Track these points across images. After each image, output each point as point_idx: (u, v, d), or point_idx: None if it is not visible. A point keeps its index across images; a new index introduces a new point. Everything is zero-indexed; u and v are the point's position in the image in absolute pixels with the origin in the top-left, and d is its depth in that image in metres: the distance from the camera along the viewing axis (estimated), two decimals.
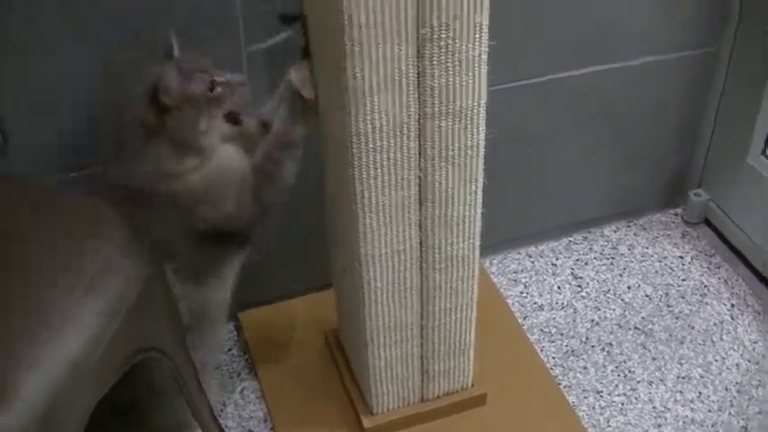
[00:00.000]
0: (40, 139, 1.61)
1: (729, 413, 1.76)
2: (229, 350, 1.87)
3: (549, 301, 1.99)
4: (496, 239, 2.03)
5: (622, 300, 1.99)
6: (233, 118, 1.42)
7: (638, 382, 1.82)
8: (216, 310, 1.52)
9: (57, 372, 1.04)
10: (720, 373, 1.83)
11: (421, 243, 1.41)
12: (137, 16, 1.54)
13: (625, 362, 1.86)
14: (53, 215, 1.27)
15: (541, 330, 1.92)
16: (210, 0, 1.58)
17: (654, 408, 1.77)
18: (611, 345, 1.90)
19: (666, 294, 2.01)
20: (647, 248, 2.12)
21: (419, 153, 1.30)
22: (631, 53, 1.92)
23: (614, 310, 1.97)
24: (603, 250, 2.11)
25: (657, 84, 1.99)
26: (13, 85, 1.54)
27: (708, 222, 2.18)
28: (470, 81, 1.25)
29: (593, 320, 1.95)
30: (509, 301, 1.98)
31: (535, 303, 1.99)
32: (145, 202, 1.39)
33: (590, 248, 2.12)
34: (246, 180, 1.42)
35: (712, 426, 1.73)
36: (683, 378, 1.83)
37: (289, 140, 1.41)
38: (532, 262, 2.08)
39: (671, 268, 2.07)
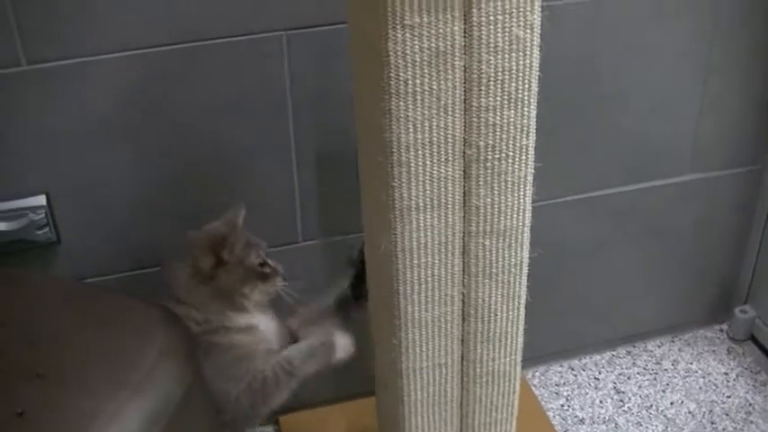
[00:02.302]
0: (91, 241, 1.64)
1: None
2: None
3: (590, 414, 1.98)
4: (539, 351, 2.03)
5: (665, 416, 1.97)
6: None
7: None
8: None
9: None
10: None
11: (463, 357, 1.41)
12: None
13: None
14: (100, 316, 1.30)
15: None
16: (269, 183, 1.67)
17: None
18: None
19: (710, 411, 1.99)
20: (691, 364, 2.11)
21: (463, 270, 1.31)
22: (677, 171, 1.93)
23: (656, 426, 1.95)
24: (647, 365, 2.10)
25: (703, 201, 2.00)
26: (67, 186, 1.59)
27: (754, 339, 2.16)
28: (515, 201, 1.26)
29: None
30: (550, 413, 1.97)
31: (576, 417, 1.97)
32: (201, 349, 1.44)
33: (633, 363, 2.11)
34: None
35: None
36: None
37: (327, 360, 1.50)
38: (575, 375, 2.07)
39: (715, 385, 2.05)
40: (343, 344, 1.51)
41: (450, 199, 1.24)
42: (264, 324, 1.52)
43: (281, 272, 1.53)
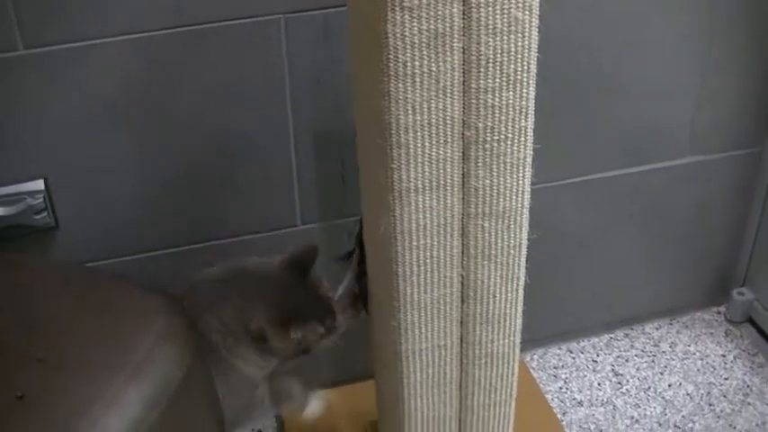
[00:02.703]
0: (89, 225, 1.64)
1: None
2: None
3: (588, 397, 1.98)
4: (538, 334, 2.03)
5: (663, 398, 1.98)
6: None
7: None
8: None
9: None
10: None
11: (462, 339, 1.42)
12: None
13: None
14: (99, 301, 1.29)
15: (580, 427, 1.91)
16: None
17: None
18: None
19: (708, 393, 1.99)
20: (688, 346, 2.11)
21: (462, 252, 1.31)
22: (677, 153, 1.93)
23: (655, 407, 1.96)
24: (645, 347, 2.11)
25: (702, 183, 2.00)
26: (64, 171, 1.59)
27: (751, 321, 2.17)
28: (514, 183, 1.26)
29: (632, 417, 1.93)
30: (548, 396, 1.97)
31: (574, 399, 1.98)
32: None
33: (631, 345, 2.11)
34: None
35: None
36: None
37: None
38: (573, 358, 2.08)
39: (713, 367, 2.06)
40: (311, 407, 1.55)
41: (448, 180, 1.24)
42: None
43: (336, 338, 1.49)
